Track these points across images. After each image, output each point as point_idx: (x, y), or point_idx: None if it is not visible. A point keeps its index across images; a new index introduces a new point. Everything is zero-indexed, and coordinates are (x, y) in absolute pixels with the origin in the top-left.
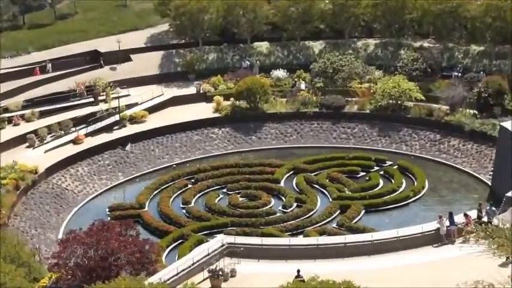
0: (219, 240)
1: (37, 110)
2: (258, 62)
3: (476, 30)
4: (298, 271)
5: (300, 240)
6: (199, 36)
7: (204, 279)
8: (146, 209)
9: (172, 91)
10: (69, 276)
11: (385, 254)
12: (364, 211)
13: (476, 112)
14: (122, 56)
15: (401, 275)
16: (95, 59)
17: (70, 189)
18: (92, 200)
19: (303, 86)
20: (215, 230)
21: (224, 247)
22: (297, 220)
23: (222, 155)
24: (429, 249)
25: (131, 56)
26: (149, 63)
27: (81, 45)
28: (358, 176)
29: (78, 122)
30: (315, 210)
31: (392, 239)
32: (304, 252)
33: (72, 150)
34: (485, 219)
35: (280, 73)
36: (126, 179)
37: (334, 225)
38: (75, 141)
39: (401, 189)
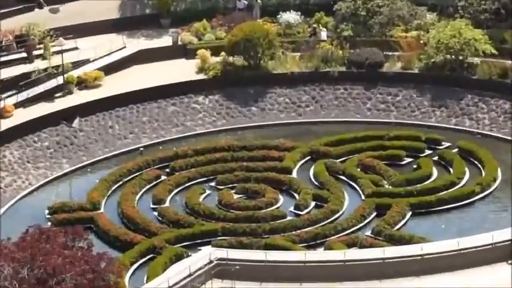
0: (206, 255)
1: None
2: (259, 0)
3: None
4: None
5: (320, 254)
6: None
7: None
8: (102, 210)
9: (139, 43)
10: None
11: (440, 274)
12: (410, 213)
13: None
14: None
15: None
16: None
17: None
18: (25, 198)
19: (324, 35)
20: (200, 241)
21: (213, 264)
22: (316, 226)
23: (209, 133)
24: (503, 267)
25: None
26: (105, 3)
27: None
28: (403, 163)
29: (4, 86)
30: (341, 212)
31: (450, 252)
32: (325, 272)
33: None
34: None
35: (291, 17)
36: (74, 167)
37: (369, 233)
38: (0, 114)
39: (463, 182)
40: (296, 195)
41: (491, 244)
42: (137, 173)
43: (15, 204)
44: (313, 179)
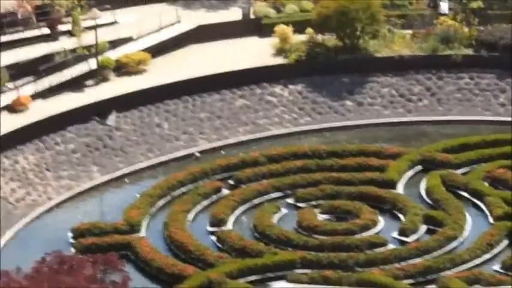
0: None
1: None
2: None
3: None
4: None
5: None
6: None
7: None
8: (143, 233)
9: (198, 16)
10: None
11: None
12: None
13: None
14: None
15: None
16: None
17: (3, 196)
18: (43, 216)
19: (445, 6)
20: (272, 275)
21: None
22: (427, 257)
23: (289, 135)
24: None
25: None
26: None
27: None
28: None
29: (20, 72)
30: (461, 240)
31: None
32: None
33: (8, 123)
34: None
35: None
36: (107, 178)
37: (497, 267)
38: (13, 108)
39: None
40: (401, 217)
41: None
42: (191, 185)
43: (30, 224)
44: (424, 196)
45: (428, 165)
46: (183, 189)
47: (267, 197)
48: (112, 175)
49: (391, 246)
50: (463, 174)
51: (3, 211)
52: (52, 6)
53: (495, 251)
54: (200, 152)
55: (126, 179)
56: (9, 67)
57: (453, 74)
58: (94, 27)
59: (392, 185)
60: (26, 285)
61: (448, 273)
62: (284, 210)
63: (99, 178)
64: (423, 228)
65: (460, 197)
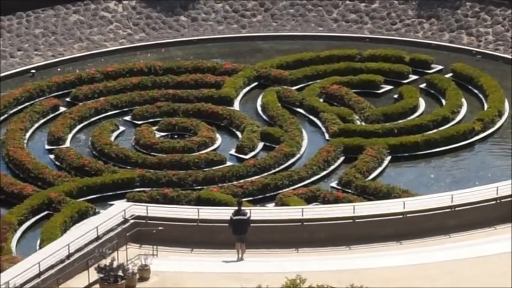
0: (119, 212)
1: None
2: None
3: None
4: (240, 203)
5: (268, 212)
6: None
7: (89, 286)
8: None
9: None
10: None
11: (428, 239)
12: (389, 158)
13: None
14: None
15: (456, 278)
16: None
17: None
18: None
19: None
20: (111, 193)
21: (128, 225)
22: (265, 175)
23: (124, 50)
24: (509, 228)
25: None
26: None
27: None
28: (380, 91)
29: None
30: (297, 156)
31: (442, 210)
32: (276, 235)
33: None
34: None
35: None
36: None
37: (334, 184)
38: None
39: (459, 118)
40: (238, 134)
41: (495, 199)
42: (27, 103)
43: None
44: (261, 112)
45: (264, 82)
46: (20, 107)
47: (104, 115)
48: None
49: (229, 163)
50: (298, 90)
51: None
52: None
53: (332, 167)
54: (35, 69)
55: None
56: None
57: None
58: None
59: (228, 101)
60: None
61: (286, 190)
62: (122, 128)
63: None
64: (260, 145)
65: (295, 113)
